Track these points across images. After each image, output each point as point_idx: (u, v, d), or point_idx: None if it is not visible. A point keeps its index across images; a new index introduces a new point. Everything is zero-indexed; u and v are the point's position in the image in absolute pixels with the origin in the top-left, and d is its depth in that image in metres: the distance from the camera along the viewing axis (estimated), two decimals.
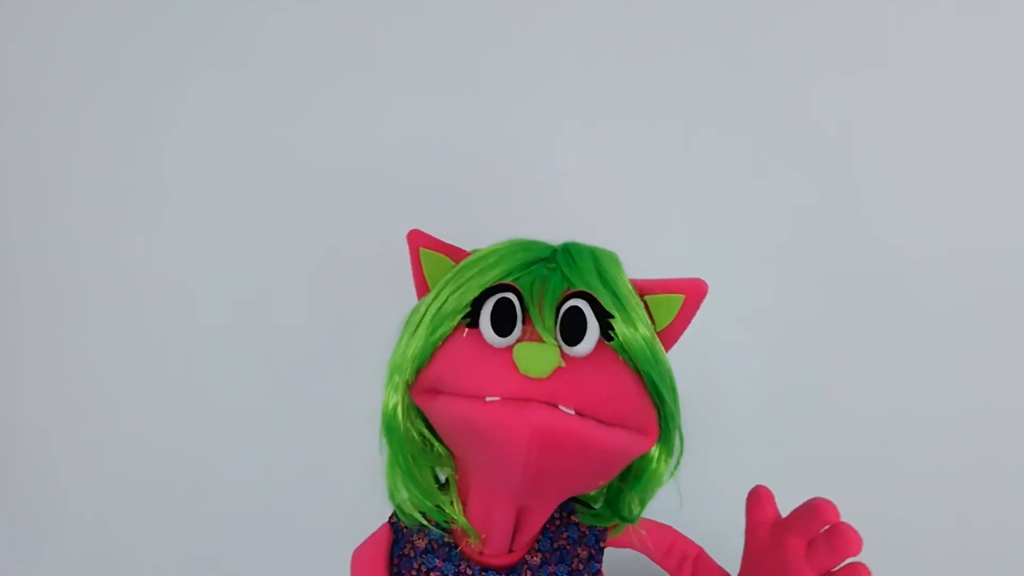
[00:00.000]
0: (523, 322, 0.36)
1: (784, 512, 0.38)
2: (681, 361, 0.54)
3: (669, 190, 0.63)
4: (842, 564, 0.35)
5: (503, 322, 0.35)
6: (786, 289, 0.62)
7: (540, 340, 0.34)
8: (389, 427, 0.39)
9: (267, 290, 0.65)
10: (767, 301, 0.62)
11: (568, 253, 0.39)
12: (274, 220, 0.65)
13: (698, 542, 0.46)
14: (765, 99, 0.61)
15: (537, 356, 0.33)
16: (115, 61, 0.66)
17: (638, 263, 0.59)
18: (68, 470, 0.68)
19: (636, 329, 0.37)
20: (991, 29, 0.59)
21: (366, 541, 0.44)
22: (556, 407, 0.33)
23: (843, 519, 0.34)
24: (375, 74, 0.64)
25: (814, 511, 0.35)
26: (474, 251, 0.40)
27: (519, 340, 0.35)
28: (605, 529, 0.44)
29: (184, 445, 0.66)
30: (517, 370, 0.33)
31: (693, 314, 0.40)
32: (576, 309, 0.36)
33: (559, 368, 0.33)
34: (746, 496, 0.40)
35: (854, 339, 0.61)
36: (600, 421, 0.34)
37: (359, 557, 0.43)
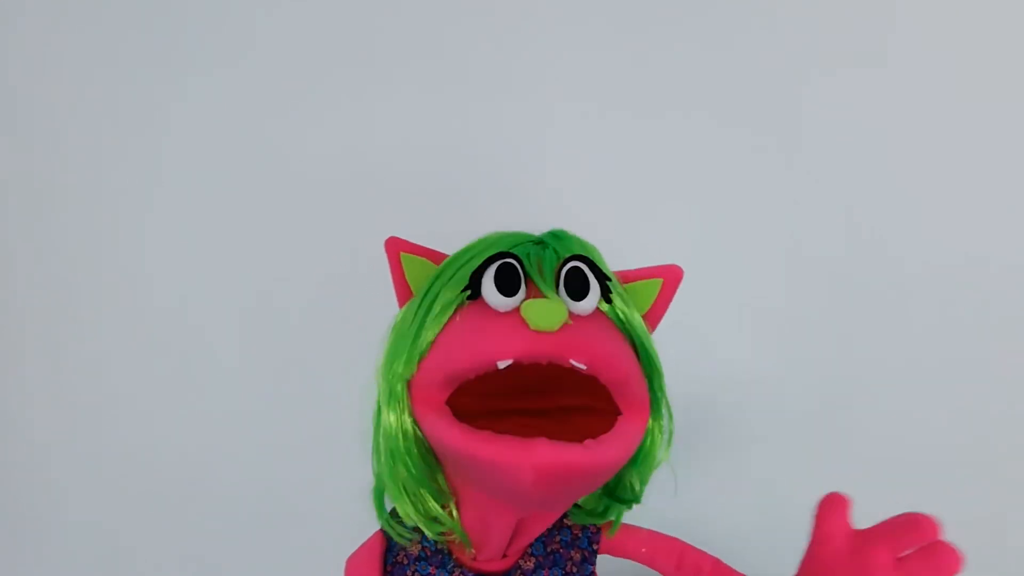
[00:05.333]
0: (525, 286, 0.36)
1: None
2: (686, 361, 0.54)
3: (669, 187, 0.62)
4: None
5: (508, 283, 0.36)
6: (790, 288, 0.61)
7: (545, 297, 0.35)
8: (390, 443, 0.38)
9: (266, 292, 0.65)
10: (771, 300, 0.61)
11: (555, 235, 0.40)
12: (273, 222, 0.65)
13: (709, 543, 0.44)
14: (768, 95, 0.61)
15: (546, 309, 0.33)
16: (111, 62, 0.66)
17: (637, 262, 0.59)
18: (67, 473, 0.67)
19: (626, 301, 0.38)
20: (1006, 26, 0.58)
21: (359, 549, 0.43)
22: (558, 442, 0.32)
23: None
24: (370, 74, 0.64)
25: (914, 525, 0.33)
26: (453, 253, 0.41)
27: (524, 300, 0.35)
28: (599, 530, 0.44)
29: (183, 448, 0.66)
30: (526, 328, 0.33)
31: (671, 297, 0.41)
32: (577, 268, 0.37)
33: (566, 324, 0.34)
34: (819, 502, 0.36)
35: (861, 338, 0.60)
36: (609, 381, 0.34)
37: (352, 565, 0.43)
